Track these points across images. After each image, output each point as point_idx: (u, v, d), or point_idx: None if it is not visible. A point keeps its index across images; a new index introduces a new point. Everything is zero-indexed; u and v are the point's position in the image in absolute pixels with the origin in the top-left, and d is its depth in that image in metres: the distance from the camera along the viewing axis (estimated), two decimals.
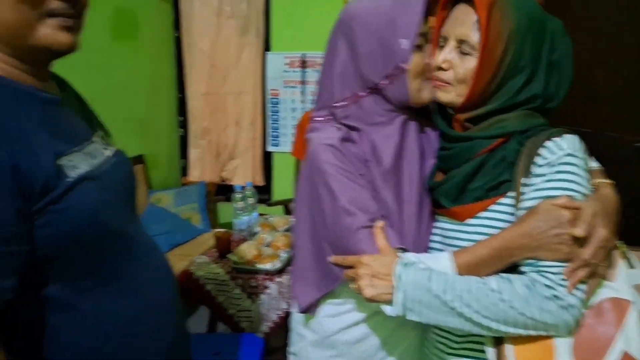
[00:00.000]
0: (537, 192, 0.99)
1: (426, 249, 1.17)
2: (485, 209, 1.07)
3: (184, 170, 4.25)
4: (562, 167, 0.99)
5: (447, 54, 1.09)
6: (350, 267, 1.07)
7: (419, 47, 1.11)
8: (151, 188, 3.73)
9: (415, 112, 1.19)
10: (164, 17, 3.94)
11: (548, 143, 1.01)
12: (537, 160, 1.01)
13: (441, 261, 1.03)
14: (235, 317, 2.37)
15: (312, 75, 3.83)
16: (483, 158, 1.07)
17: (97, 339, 0.97)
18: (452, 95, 1.11)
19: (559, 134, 1.02)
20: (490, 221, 1.06)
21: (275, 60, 3.89)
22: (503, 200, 1.05)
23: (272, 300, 2.34)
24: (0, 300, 0.81)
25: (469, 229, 1.08)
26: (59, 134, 0.93)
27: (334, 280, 1.13)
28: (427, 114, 1.21)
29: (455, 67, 1.09)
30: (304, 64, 3.84)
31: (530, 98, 1.07)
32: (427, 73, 1.13)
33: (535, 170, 1.01)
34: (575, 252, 0.95)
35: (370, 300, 1.02)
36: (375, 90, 1.13)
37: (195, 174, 4.16)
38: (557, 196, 0.97)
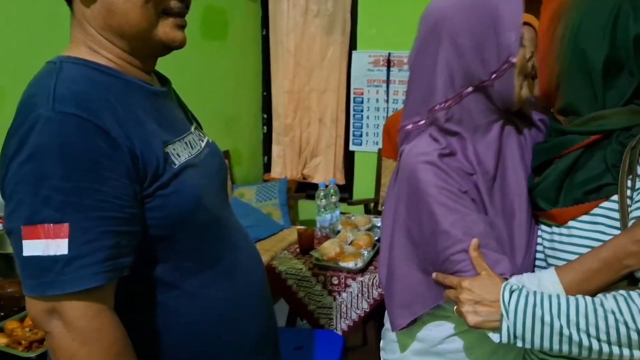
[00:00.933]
0: None
1: (534, 259, 1.10)
2: (587, 213, 0.99)
3: (266, 167, 4.32)
4: None
5: None
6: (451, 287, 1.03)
7: (521, 41, 1.05)
8: (234, 183, 3.82)
9: (514, 115, 1.15)
10: (252, 15, 4.02)
11: None
12: None
13: (547, 283, 0.96)
14: (315, 313, 2.38)
15: (397, 75, 3.79)
16: (577, 154, 1.01)
17: (200, 317, 1.01)
18: (536, 88, 1.09)
19: None
20: (594, 225, 0.98)
21: (360, 59, 3.88)
22: (606, 204, 0.98)
23: (352, 299, 2.32)
24: (119, 276, 0.86)
25: (572, 232, 1.01)
26: (164, 124, 0.99)
27: (433, 302, 1.09)
28: (522, 117, 1.17)
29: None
30: (389, 63, 3.80)
31: (616, 86, 0.99)
32: (527, 70, 1.08)
33: None
34: None
35: (474, 327, 0.97)
36: (479, 88, 1.07)
37: (277, 170, 4.22)
38: None
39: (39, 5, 2.24)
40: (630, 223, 0.93)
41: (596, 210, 0.98)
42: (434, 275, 1.06)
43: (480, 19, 1.04)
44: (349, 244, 2.51)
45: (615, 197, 0.96)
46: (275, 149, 4.23)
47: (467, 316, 0.97)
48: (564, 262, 1.01)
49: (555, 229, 1.05)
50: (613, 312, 0.87)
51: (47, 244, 0.79)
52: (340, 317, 2.34)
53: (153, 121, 0.95)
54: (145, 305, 0.97)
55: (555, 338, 0.90)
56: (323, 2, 3.90)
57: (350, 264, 2.33)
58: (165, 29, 0.96)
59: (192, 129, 1.12)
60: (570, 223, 1.02)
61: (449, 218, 1.03)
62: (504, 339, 0.94)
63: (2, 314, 1.48)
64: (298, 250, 2.61)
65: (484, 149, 1.09)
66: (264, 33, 4.12)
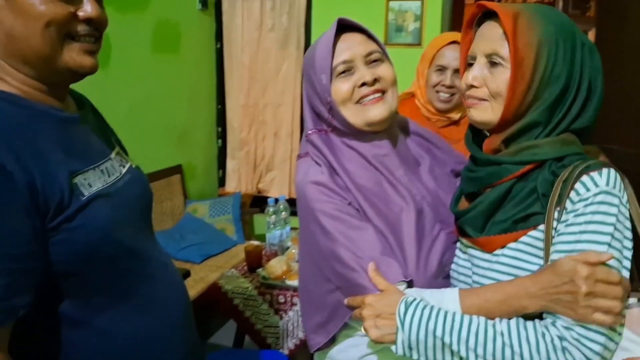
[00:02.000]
0: (572, 234, 0.93)
1: (435, 271, 1.12)
2: (514, 241, 1.01)
3: (222, 181, 4.28)
4: (597, 207, 0.92)
5: (477, 71, 1.05)
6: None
7: (341, 75, 1.13)
8: (188, 198, 3.76)
9: (405, 130, 1.27)
10: (205, 29, 3.99)
11: (584, 177, 0.94)
12: (572, 195, 0.94)
13: (447, 300, 0.99)
14: (262, 332, 2.35)
15: None
16: (511, 184, 1.02)
17: (110, 355, 0.98)
18: (489, 113, 1.05)
19: (596, 168, 0.95)
20: (519, 253, 1.00)
21: None
22: (533, 233, 0.99)
23: (299, 317, 2.30)
24: (15, 317, 0.82)
25: (499, 260, 1.02)
26: (75, 153, 0.95)
27: (341, 319, 1.12)
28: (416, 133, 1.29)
29: (488, 83, 1.04)
30: None
31: (565, 112, 1.01)
32: (355, 96, 1.14)
33: (570, 206, 0.94)
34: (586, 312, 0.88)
35: (376, 341, 0.99)
36: (328, 123, 1.18)
37: (232, 185, 4.18)
38: (592, 241, 0.91)
39: None
40: (552, 256, 0.94)
41: (523, 239, 1.00)
42: (345, 301, 1.09)
43: (308, 67, 1.18)
44: (297, 262, 2.49)
45: (542, 227, 0.97)
46: (230, 163, 4.19)
47: (370, 330, 0.99)
48: None
49: (484, 255, 1.06)
50: (502, 335, 0.90)
51: None
52: (287, 336, 2.32)
53: (60, 150, 0.91)
54: (50, 343, 0.93)
55: (447, 353, 0.93)
56: (277, 17, 3.90)
57: (296, 282, 2.31)
58: (72, 54, 0.91)
59: (113, 154, 1.07)
60: (498, 251, 1.03)
61: (337, 227, 1.09)
62: (399, 351, 0.96)
63: None
64: (247, 268, 2.58)
65: (357, 167, 1.16)
66: (218, 46, 4.09)
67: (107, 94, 2.65)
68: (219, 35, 4.07)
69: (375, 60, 1.15)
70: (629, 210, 0.95)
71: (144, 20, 3.23)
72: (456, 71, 1.96)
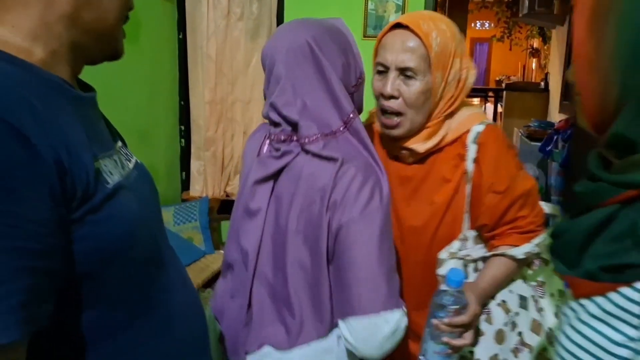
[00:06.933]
0: None
1: None
2: (602, 294, 0.72)
3: (185, 185, 3.94)
4: None
5: None
6: None
7: None
8: None
9: None
10: (167, 17, 3.64)
11: None
12: None
13: None
14: None
15: None
16: (610, 212, 0.74)
17: None
18: None
19: None
20: (605, 315, 0.72)
21: None
22: (626, 291, 0.70)
23: None
24: (36, 328, 0.67)
25: (581, 316, 0.75)
26: (92, 135, 0.82)
27: None
28: None
29: None
30: None
31: None
32: None
33: None
34: None
35: None
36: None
37: (197, 188, 3.84)
38: None
39: None
40: None
41: (612, 296, 0.71)
42: None
43: (343, 44, 1.25)
44: None
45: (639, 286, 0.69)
46: (195, 165, 3.85)
47: None
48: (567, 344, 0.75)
49: (572, 299, 0.77)
50: None
51: None
52: None
53: (80, 128, 0.78)
54: None
55: None
56: (247, 5, 3.60)
57: None
58: (120, 37, 0.92)
59: (118, 146, 0.97)
60: (583, 300, 0.75)
61: None
62: None
63: None
64: None
65: None
66: (180, 37, 3.74)
67: None
68: (181, 25, 3.72)
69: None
70: None
71: None
72: None
